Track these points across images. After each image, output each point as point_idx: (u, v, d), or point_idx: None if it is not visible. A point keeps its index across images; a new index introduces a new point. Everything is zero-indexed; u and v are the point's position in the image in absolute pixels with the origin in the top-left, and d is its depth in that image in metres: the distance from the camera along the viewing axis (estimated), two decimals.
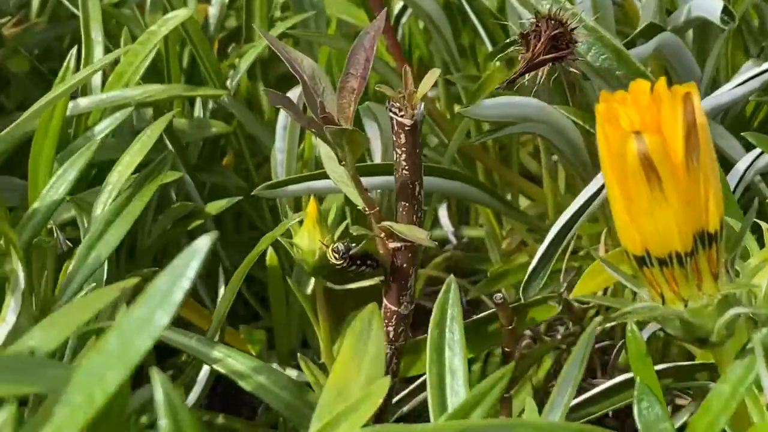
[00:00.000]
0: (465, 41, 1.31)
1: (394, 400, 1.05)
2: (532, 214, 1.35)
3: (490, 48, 1.25)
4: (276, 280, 1.19)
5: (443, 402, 0.81)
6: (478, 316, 1.05)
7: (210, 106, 1.28)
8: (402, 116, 0.92)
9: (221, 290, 1.14)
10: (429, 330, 0.85)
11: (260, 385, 0.84)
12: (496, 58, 1.16)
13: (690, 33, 1.12)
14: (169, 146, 1.15)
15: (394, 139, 0.94)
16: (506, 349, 1.09)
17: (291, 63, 0.94)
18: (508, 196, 1.36)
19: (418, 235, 0.95)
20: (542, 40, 0.85)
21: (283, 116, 1.17)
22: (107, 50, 1.14)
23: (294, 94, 1.17)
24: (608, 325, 1.23)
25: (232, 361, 0.86)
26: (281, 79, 1.33)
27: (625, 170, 0.65)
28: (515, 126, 1.02)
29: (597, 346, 1.24)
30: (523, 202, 1.39)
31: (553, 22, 0.86)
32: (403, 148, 0.93)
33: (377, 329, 0.67)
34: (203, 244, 0.50)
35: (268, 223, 1.25)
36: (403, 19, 1.31)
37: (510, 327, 1.06)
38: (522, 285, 0.97)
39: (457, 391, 0.81)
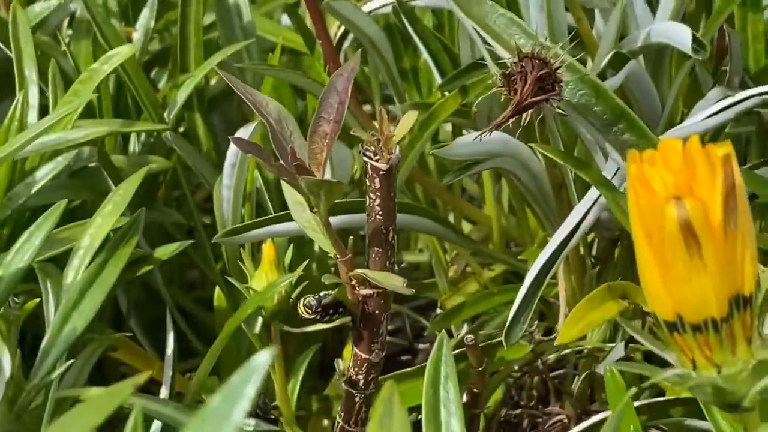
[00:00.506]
0: (407, 64, 1.27)
1: None
2: (475, 238, 1.32)
3: (435, 70, 1.21)
4: (225, 323, 1.14)
5: None
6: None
7: (142, 140, 1.23)
8: (377, 161, 0.88)
9: (169, 335, 1.08)
10: (423, 389, 0.81)
11: None
12: (446, 88, 1.12)
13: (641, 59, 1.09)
14: (111, 184, 1.09)
15: (368, 183, 0.90)
16: (475, 390, 1.06)
17: (256, 107, 0.90)
18: (450, 219, 1.32)
19: (395, 282, 0.91)
20: (529, 81, 0.82)
21: (232, 153, 1.12)
22: (42, 90, 1.08)
23: (246, 131, 1.12)
24: (563, 353, 1.20)
25: None
26: (220, 98, 1.28)
27: (659, 235, 0.62)
28: (485, 163, 0.99)
29: (552, 374, 1.22)
30: (466, 227, 1.36)
31: (537, 61, 0.83)
32: (378, 193, 0.89)
33: (399, 411, 0.63)
34: (262, 360, 0.45)
35: (210, 263, 1.20)
36: (345, 44, 1.27)
37: (480, 368, 1.03)
38: (504, 332, 0.94)
39: None
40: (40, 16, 1.26)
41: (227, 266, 1.13)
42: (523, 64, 0.84)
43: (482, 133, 0.87)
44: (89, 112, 1.17)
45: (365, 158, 0.89)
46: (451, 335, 1.22)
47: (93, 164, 1.13)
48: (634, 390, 0.97)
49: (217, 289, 1.14)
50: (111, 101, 1.19)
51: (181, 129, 1.25)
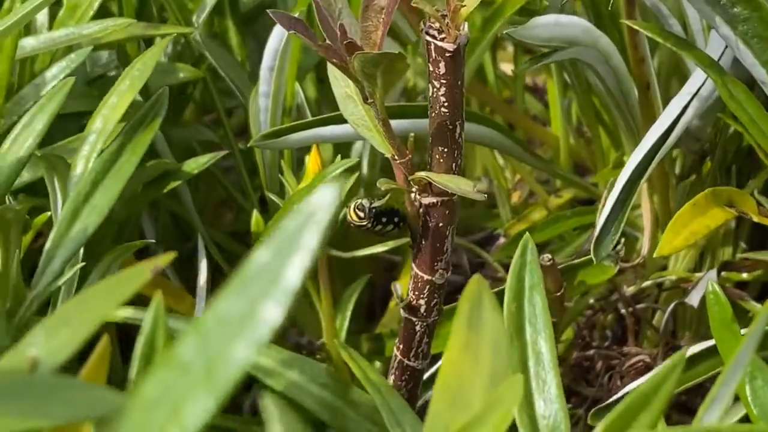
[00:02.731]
0: None
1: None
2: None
3: None
4: None
5: (529, 399, 0.64)
6: None
7: (169, 50, 1.09)
8: (443, 39, 0.75)
9: (202, 262, 0.95)
10: (505, 304, 0.67)
11: (292, 383, 0.66)
12: None
13: None
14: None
15: (431, 69, 0.76)
16: (553, 321, 0.92)
17: None
18: None
19: (463, 186, 0.77)
20: None
21: (269, 56, 0.98)
22: None
23: (276, 39, 0.98)
24: (642, 285, 1.06)
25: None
26: (252, 16, 1.14)
27: None
28: (564, 51, 0.85)
29: (631, 309, 1.08)
30: None
31: None
32: (443, 80, 0.76)
33: (491, 309, 0.49)
34: (327, 199, 0.32)
35: (247, 189, 1.06)
36: None
37: (559, 294, 0.89)
38: (593, 241, 0.80)
39: (547, 384, 0.64)
40: None
41: (265, 186, 0.99)
42: None
43: None
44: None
45: (428, 37, 0.75)
46: None
47: (113, 73, 1.00)
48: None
49: (255, 213, 1.00)
50: (133, 9, 1.05)
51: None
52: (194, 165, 0.92)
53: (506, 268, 0.80)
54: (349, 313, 1.01)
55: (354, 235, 1.11)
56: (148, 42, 1.05)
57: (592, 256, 0.80)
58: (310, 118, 0.88)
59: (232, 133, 1.08)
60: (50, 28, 0.92)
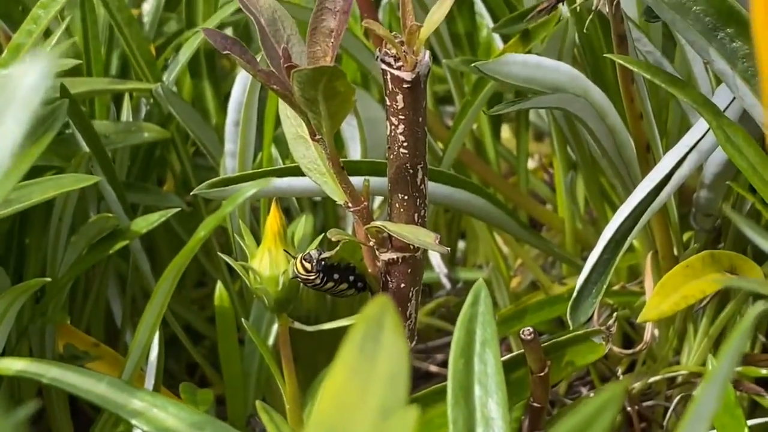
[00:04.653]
0: (460, 28, 1.05)
1: None
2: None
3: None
4: (227, 326, 0.92)
5: None
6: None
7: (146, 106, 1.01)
8: (400, 68, 0.66)
9: (154, 338, 0.85)
10: (450, 361, 0.58)
11: None
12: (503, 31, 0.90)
13: None
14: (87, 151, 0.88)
15: (388, 103, 0.67)
16: (535, 405, 0.82)
17: (243, 2, 0.68)
18: None
19: (423, 237, 0.68)
20: None
21: (233, 110, 0.90)
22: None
23: (239, 90, 0.90)
24: (652, 379, 0.96)
25: (160, 414, 0.59)
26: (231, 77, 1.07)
27: None
28: (546, 97, 0.76)
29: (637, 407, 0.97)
30: None
31: None
32: (401, 116, 0.67)
33: (392, 333, 0.40)
34: None
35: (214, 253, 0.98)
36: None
37: (542, 374, 0.79)
38: (569, 305, 0.70)
39: None
40: None
41: (233, 250, 0.91)
42: None
43: (539, 8, 0.64)
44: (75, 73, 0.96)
45: (383, 66, 0.66)
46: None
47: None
48: None
49: (219, 285, 0.92)
50: (102, 64, 0.97)
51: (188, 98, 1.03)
52: (144, 223, 0.84)
53: None
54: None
55: (343, 304, 1.03)
56: (117, 99, 0.98)
57: (569, 322, 0.70)
58: (264, 168, 0.79)
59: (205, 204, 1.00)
60: None
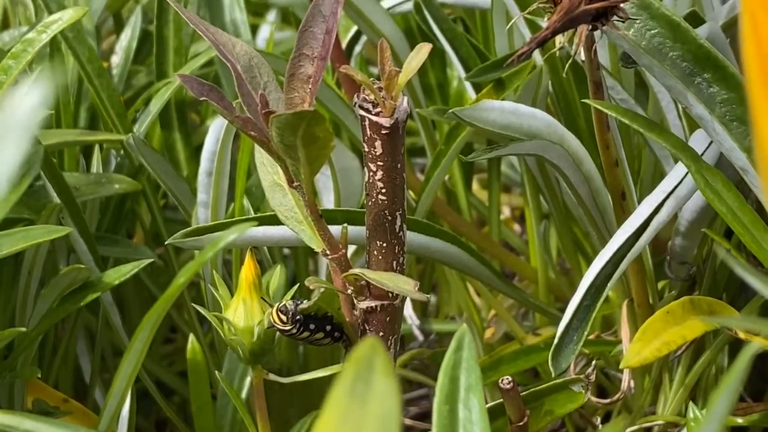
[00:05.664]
0: (432, 79, 1.05)
1: None
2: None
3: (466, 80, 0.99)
4: (199, 379, 0.90)
5: None
6: None
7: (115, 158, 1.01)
8: (378, 114, 0.66)
9: (126, 398, 0.84)
10: (435, 407, 0.57)
11: None
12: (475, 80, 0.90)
13: None
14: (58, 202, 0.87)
15: (366, 149, 0.67)
16: None
17: (219, 48, 0.67)
18: None
19: (403, 285, 0.67)
20: None
21: (206, 160, 0.89)
22: None
23: (212, 140, 0.89)
24: (629, 430, 0.95)
25: None
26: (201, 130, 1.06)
27: None
28: (523, 144, 0.75)
29: None
30: None
31: None
32: (379, 162, 0.67)
33: (384, 376, 0.39)
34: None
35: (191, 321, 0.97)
36: (357, 48, 1.05)
37: (521, 424, 0.78)
38: (551, 352, 0.70)
39: None
40: None
41: (205, 302, 0.90)
42: None
43: (516, 54, 0.64)
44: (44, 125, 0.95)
45: (361, 111, 0.66)
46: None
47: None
48: None
49: (191, 337, 0.90)
50: (71, 115, 0.97)
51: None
52: (116, 275, 0.82)
53: None
54: None
55: (315, 356, 1.02)
56: (86, 151, 0.97)
57: (551, 369, 0.69)
58: (238, 217, 0.78)
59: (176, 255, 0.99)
60: None
